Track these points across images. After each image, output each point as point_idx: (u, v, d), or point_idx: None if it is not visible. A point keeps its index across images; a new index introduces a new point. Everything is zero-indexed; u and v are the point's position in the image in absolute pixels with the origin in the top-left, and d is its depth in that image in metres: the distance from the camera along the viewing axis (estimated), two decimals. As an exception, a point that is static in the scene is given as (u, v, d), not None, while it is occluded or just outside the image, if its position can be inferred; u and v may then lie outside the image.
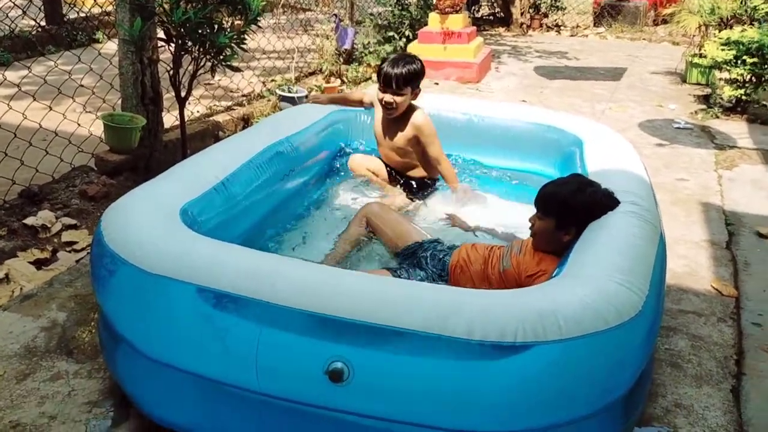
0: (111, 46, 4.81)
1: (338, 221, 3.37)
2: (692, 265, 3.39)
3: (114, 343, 2.21)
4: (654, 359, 2.52)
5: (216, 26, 3.77)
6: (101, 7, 6.74)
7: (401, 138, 3.54)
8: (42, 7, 8.48)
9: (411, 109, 3.51)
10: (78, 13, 7.68)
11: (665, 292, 3.06)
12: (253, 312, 1.89)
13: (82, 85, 4.56)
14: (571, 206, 2.46)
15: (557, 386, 1.79)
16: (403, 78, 3.35)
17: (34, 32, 7.88)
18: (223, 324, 1.92)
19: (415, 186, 3.66)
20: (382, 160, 3.75)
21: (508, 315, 1.80)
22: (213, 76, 4.00)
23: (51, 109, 4.24)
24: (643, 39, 10.99)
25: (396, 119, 3.52)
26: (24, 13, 5.12)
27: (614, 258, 2.13)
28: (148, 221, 2.28)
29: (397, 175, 3.71)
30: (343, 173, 3.93)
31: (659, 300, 2.15)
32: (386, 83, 3.38)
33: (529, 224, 2.60)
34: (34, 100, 4.16)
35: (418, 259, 2.83)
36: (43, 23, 8.25)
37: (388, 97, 3.40)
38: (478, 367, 1.77)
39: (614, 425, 1.97)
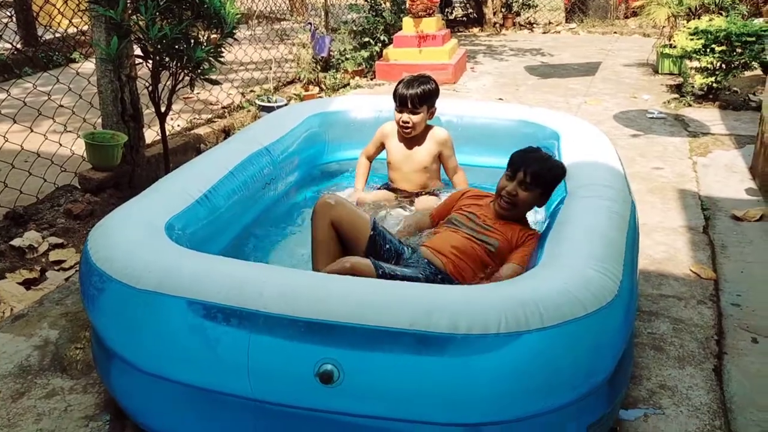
0: (88, 65, 4.84)
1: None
2: (671, 250, 3.46)
3: (107, 358, 2.23)
4: (634, 342, 2.59)
5: (192, 41, 3.81)
6: (77, 27, 6.72)
7: (425, 156, 3.61)
8: (17, 30, 8.48)
9: (428, 128, 3.60)
10: (53, 34, 7.68)
11: (642, 277, 3.15)
12: (242, 321, 1.91)
13: (61, 105, 4.58)
14: (558, 178, 2.88)
15: (542, 374, 1.84)
16: (419, 97, 3.43)
17: (9, 55, 7.86)
18: (213, 334, 1.94)
19: None
20: (392, 189, 3.74)
21: (490, 307, 1.85)
22: (192, 90, 4.04)
23: (32, 130, 4.26)
24: (615, 32, 11.13)
25: (415, 141, 3.59)
26: (0, 36, 5.13)
27: (588, 246, 2.20)
28: (134, 238, 2.30)
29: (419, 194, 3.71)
30: (325, 178, 3.97)
31: (633, 283, 2.22)
32: (402, 103, 3.46)
33: (506, 195, 2.82)
34: (15, 122, 4.18)
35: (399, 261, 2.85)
36: (18, 46, 8.24)
37: (405, 117, 3.47)
38: (464, 360, 1.81)
39: (600, 409, 2.02)
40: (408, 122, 3.47)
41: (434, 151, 3.60)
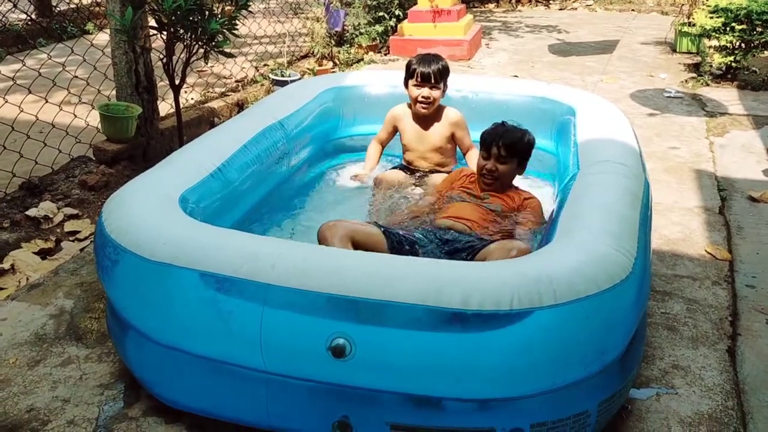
0: (102, 37, 4.83)
1: (336, 201, 3.41)
2: (686, 231, 3.44)
3: (121, 329, 2.25)
4: (647, 321, 2.59)
5: (207, 13, 3.78)
6: (91, -2, 6.76)
7: (439, 136, 3.62)
8: (31, 0, 8.47)
9: (441, 108, 3.61)
10: (68, 4, 7.66)
11: (657, 257, 3.14)
12: (255, 294, 1.92)
13: (76, 77, 4.57)
14: (531, 143, 3.08)
15: (555, 351, 1.84)
16: (439, 72, 3.46)
17: (24, 26, 7.86)
18: (226, 307, 1.95)
19: None
20: (408, 169, 3.73)
21: (502, 283, 1.84)
22: (206, 63, 4.02)
23: (47, 101, 4.27)
24: (632, 10, 10.98)
25: (429, 120, 3.60)
26: (15, 6, 5.12)
27: (602, 223, 2.19)
28: (149, 210, 2.31)
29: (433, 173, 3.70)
30: (339, 153, 3.96)
31: (647, 261, 2.20)
32: (424, 78, 3.46)
33: (487, 173, 3.04)
34: (30, 93, 4.19)
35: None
36: (33, 16, 8.23)
37: (425, 92, 3.48)
38: (476, 336, 1.81)
39: (611, 386, 2.02)
40: (429, 97, 3.48)
41: (448, 131, 3.61)
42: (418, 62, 3.47)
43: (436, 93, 3.49)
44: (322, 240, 2.56)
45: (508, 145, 3.00)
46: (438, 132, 3.61)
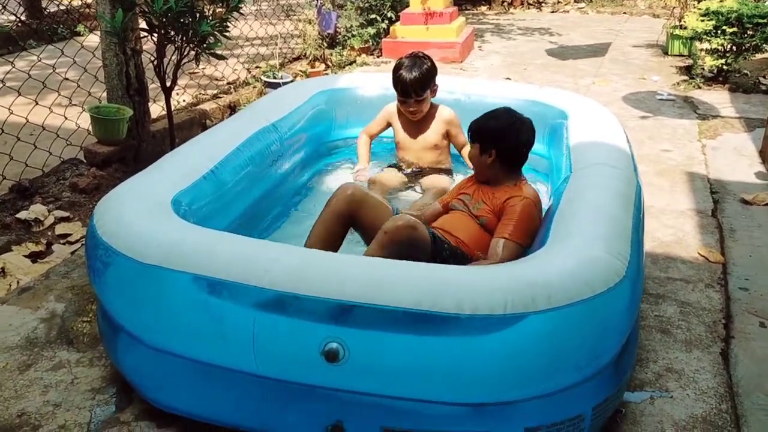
0: (93, 39, 4.81)
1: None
2: (679, 233, 3.45)
3: (113, 332, 2.24)
4: (641, 324, 2.59)
5: (198, 15, 3.77)
6: (81, 0, 6.70)
7: (433, 135, 3.59)
8: (21, 2, 8.42)
9: (434, 107, 3.57)
10: (58, 6, 7.63)
11: (650, 260, 3.14)
12: (247, 297, 1.91)
13: (66, 79, 4.55)
14: (500, 127, 2.79)
15: (549, 355, 1.83)
16: (420, 85, 3.38)
17: (14, 27, 7.81)
18: (219, 310, 1.94)
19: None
20: (399, 169, 3.71)
21: (496, 288, 1.84)
22: (197, 65, 4.01)
23: (37, 103, 4.24)
24: (624, 13, 11.02)
25: (422, 120, 3.57)
26: (3, 7, 5.09)
27: (595, 227, 2.19)
28: (140, 212, 2.29)
29: (428, 172, 3.69)
30: (332, 155, 3.94)
31: (640, 264, 2.20)
32: (405, 94, 3.41)
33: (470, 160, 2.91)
34: (20, 95, 4.16)
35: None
36: (23, 18, 8.19)
37: (413, 108, 3.46)
38: (470, 340, 1.81)
39: (605, 390, 2.02)
40: (415, 111, 3.47)
41: (441, 129, 3.59)
42: (403, 71, 3.37)
43: (422, 105, 3.46)
44: (333, 200, 2.77)
45: (473, 129, 2.84)
46: (431, 131, 3.59)
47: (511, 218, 2.62)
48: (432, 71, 3.45)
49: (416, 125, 3.59)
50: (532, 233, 2.61)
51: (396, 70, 3.43)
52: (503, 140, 2.75)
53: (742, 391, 2.33)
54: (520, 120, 2.80)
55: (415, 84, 3.36)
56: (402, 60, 3.45)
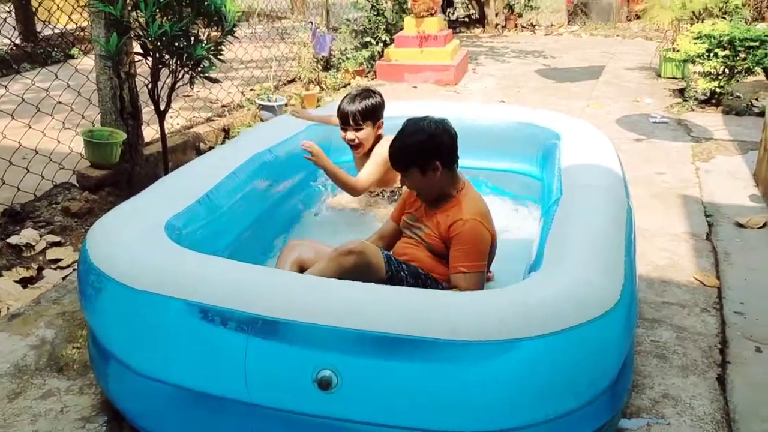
0: (87, 62, 4.81)
1: (323, 230, 3.39)
2: (674, 257, 3.44)
3: (103, 359, 2.21)
4: (636, 349, 2.56)
5: (192, 38, 3.78)
6: (76, 23, 6.72)
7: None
8: (16, 26, 8.44)
9: (378, 140, 3.43)
10: (53, 29, 7.65)
11: (645, 284, 3.13)
12: (240, 324, 1.89)
13: (60, 102, 4.55)
14: (413, 147, 2.59)
15: (542, 382, 1.82)
16: (361, 114, 3.29)
17: (8, 50, 7.83)
18: (211, 337, 1.92)
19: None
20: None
21: (490, 313, 1.83)
22: (192, 88, 4.01)
23: (30, 127, 4.23)
24: (617, 35, 11.12)
25: (362, 157, 3.45)
26: (-2, 31, 5.10)
27: (589, 250, 2.18)
28: (133, 237, 2.28)
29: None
30: (327, 182, 3.93)
31: (634, 288, 2.19)
32: (344, 121, 3.34)
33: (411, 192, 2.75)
34: (13, 118, 4.15)
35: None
36: (17, 41, 8.20)
37: (350, 135, 3.35)
38: (464, 367, 1.79)
39: (601, 416, 2.00)
40: (353, 139, 3.36)
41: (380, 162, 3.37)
42: (345, 101, 3.34)
43: (361, 135, 3.35)
44: (278, 260, 2.76)
45: (402, 160, 2.65)
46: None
47: (461, 248, 2.53)
48: (377, 105, 3.37)
49: (361, 159, 3.48)
50: (485, 253, 2.55)
51: (343, 99, 3.39)
52: (441, 145, 2.59)
53: (739, 417, 2.31)
54: (435, 121, 2.64)
55: (355, 111, 3.28)
56: (352, 92, 3.41)
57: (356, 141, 3.36)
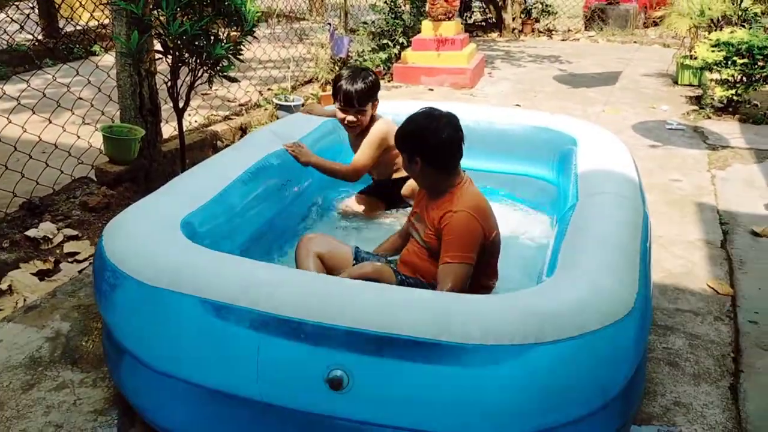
0: (108, 59, 4.85)
1: (338, 229, 3.40)
2: (688, 264, 3.42)
3: (117, 353, 2.23)
4: (647, 356, 2.56)
5: (212, 38, 3.80)
6: (98, 21, 6.77)
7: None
8: (39, 22, 8.53)
9: (373, 120, 3.44)
10: (75, 26, 7.72)
11: (659, 291, 3.12)
12: (253, 322, 1.90)
13: (80, 98, 4.59)
14: (411, 133, 2.60)
15: (557, 387, 1.81)
16: (364, 94, 3.28)
17: (31, 46, 7.91)
18: (224, 335, 1.94)
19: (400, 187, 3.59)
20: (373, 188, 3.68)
21: (504, 317, 1.83)
22: (210, 87, 4.03)
23: (50, 121, 4.27)
24: (634, 42, 11.05)
25: (360, 135, 3.44)
26: (21, 27, 5.15)
27: (603, 256, 2.18)
28: (149, 234, 2.30)
29: (385, 184, 3.64)
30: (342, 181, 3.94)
31: (648, 295, 2.19)
32: (347, 103, 3.30)
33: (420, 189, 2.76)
34: (33, 113, 4.19)
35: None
36: (40, 37, 8.29)
37: (350, 117, 3.34)
38: (477, 371, 1.79)
39: (613, 423, 2.00)
40: (354, 121, 3.35)
41: (377, 142, 3.42)
42: (345, 81, 3.28)
43: (361, 116, 3.34)
44: (297, 251, 2.78)
45: (395, 139, 2.71)
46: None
47: (448, 239, 2.49)
48: (376, 84, 3.36)
49: (355, 141, 3.48)
50: (473, 245, 2.48)
51: (338, 78, 3.35)
52: (424, 143, 2.55)
53: (751, 427, 2.30)
54: (438, 117, 2.59)
55: (359, 92, 3.26)
56: (343, 71, 3.39)
57: (356, 122, 3.35)
